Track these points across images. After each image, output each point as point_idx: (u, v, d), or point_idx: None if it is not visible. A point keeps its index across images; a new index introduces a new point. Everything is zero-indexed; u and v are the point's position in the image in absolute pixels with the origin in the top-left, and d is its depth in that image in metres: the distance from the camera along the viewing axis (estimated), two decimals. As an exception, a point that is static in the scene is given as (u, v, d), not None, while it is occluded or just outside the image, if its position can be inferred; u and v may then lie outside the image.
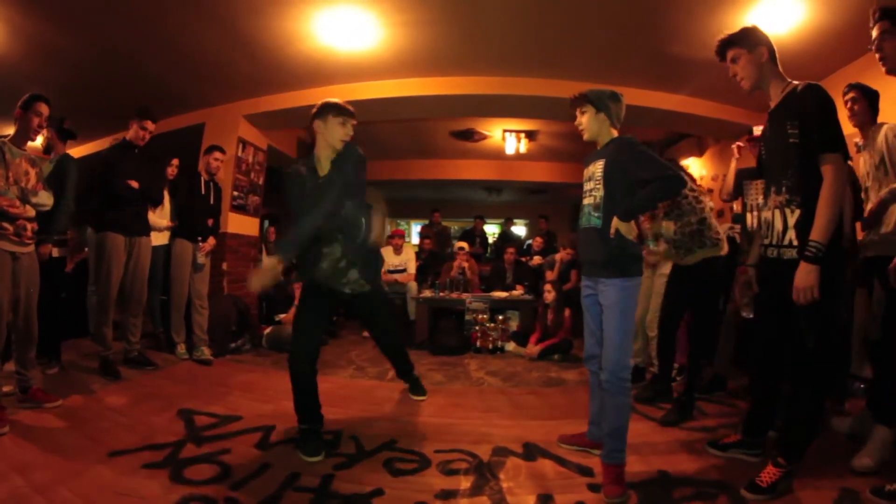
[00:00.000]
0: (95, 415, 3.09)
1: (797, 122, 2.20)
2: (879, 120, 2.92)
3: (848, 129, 2.70)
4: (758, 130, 3.59)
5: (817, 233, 2.10)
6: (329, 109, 2.74)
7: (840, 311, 3.03)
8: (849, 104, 2.97)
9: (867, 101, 2.94)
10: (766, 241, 2.42)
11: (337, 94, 5.73)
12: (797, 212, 2.24)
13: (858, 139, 2.95)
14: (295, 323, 2.92)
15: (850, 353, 3.62)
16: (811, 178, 2.17)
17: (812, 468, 2.39)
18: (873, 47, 2.48)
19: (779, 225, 2.32)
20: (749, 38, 2.37)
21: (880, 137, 2.70)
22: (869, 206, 2.72)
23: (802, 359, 2.28)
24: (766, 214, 2.42)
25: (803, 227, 2.20)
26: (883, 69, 2.51)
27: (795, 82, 2.30)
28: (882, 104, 2.99)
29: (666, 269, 3.87)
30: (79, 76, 5.29)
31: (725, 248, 3.49)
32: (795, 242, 2.23)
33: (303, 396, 2.79)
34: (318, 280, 2.84)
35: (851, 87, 3.01)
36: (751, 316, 2.84)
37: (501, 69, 5.41)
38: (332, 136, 2.73)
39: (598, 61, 5.03)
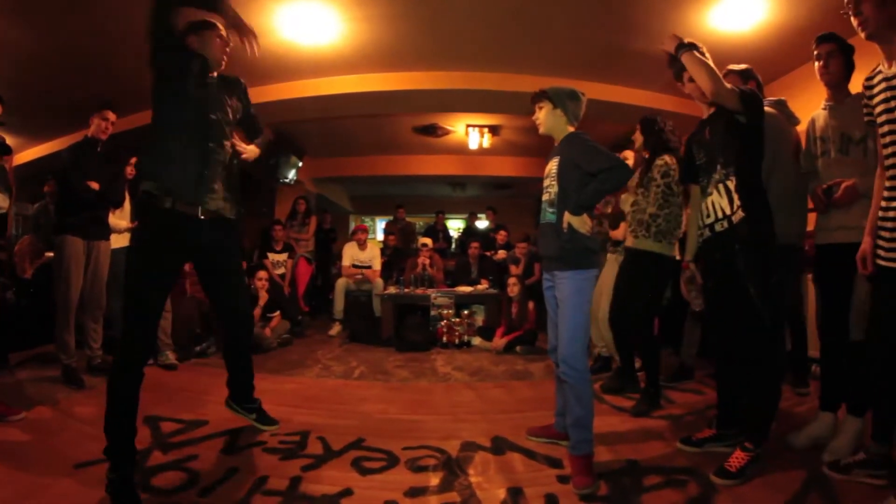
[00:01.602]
0: (60, 426, 3.03)
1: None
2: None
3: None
4: None
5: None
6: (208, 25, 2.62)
7: (786, 286, 2.98)
8: (822, 59, 2.61)
9: (843, 57, 2.58)
10: (710, 220, 2.52)
11: (300, 90, 5.81)
12: (734, 178, 2.41)
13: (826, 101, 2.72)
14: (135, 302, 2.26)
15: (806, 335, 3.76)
16: (742, 152, 2.40)
17: (780, 453, 2.53)
18: (850, 11, 2.13)
19: (725, 198, 2.44)
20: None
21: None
22: (847, 185, 2.49)
23: (757, 335, 2.38)
24: (708, 199, 2.53)
25: (741, 187, 2.38)
26: (861, 35, 2.17)
27: None
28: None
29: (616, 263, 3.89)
30: (33, 72, 5.15)
31: (672, 251, 3.48)
32: (738, 203, 2.38)
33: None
34: (176, 193, 2.31)
35: (825, 38, 2.60)
36: (701, 308, 2.93)
37: (463, 64, 5.46)
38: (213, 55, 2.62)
39: (560, 56, 5.12)
